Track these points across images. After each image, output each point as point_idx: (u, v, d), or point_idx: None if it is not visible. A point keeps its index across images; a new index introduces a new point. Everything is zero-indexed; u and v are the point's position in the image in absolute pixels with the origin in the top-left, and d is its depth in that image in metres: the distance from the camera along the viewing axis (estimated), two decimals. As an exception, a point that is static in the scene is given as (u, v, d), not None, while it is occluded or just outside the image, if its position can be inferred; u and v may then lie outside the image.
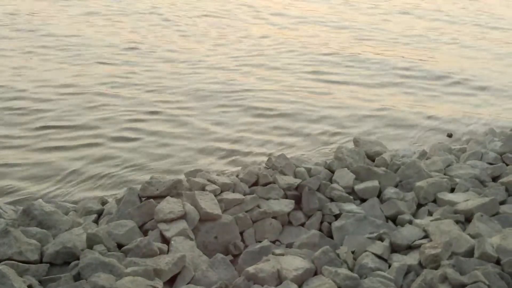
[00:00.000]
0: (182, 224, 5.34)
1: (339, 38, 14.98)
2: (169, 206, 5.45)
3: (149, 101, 9.98)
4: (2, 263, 4.40)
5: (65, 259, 4.72)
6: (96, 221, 5.94)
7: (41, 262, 4.70)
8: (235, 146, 8.57)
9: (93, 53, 12.43)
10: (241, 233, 5.75)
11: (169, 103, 10.00)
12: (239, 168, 7.41)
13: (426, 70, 12.62)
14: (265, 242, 5.39)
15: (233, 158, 8.18)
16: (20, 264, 4.50)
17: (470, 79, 12.21)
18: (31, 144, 8.16)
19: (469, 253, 4.99)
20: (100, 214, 6.12)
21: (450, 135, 9.37)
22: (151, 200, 5.59)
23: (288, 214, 6.07)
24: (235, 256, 5.44)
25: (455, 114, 10.24)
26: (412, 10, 19.07)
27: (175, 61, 12.25)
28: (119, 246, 5.04)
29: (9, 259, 4.52)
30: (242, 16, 16.78)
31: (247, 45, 13.91)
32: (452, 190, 6.59)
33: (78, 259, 4.63)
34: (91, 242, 4.88)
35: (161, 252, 4.95)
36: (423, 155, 7.97)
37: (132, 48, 12.94)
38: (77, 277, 4.40)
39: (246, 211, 5.89)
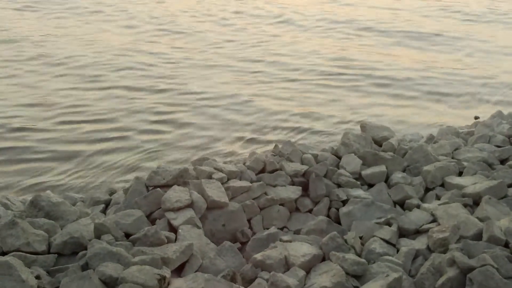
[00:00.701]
0: (189, 213, 5.34)
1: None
2: (176, 194, 5.45)
3: (172, 93, 10.22)
4: (9, 254, 4.42)
5: (73, 249, 4.73)
6: (103, 211, 5.96)
7: (49, 252, 4.72)
8: (256, 135, 8.77)
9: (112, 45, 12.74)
10: (249, 221, 5.75)
11: (194, 94, 10.25)
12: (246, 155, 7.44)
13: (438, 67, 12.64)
14: (273, 229, 5.38)
15: (253, 147, 8.32)
16: (28, 255, 4.51)
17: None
18: (57, 136, 8.38)
19: (477, 237, 4.96)
20: (107, 204, 6.14)
21: (477, 118, 9.45)
22: (158, 189, 5.59)
23: (296, 200, 6.06)
24: (243, 244, 5.44)
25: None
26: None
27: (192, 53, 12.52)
28: (127, 235, 5.04)
29: (17, 250, 4.54)
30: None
31: (266, 40, 14.06)
32: (460, 174, 6.56)
33: (85, 249, 4.64)
34: (99, 232, 4.89)
35: (169, 240, 4.95)
36: (430, 139, 7.94)
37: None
38: (85, 267, 4.41)
39: (254, 199, 5.89)
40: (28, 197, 6.11)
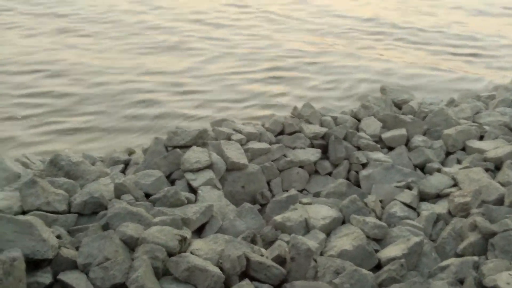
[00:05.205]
0: (209, 174, 5.31)
1: None
2: (195, 155, 5.43)
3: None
4: (30, 213, 4.41)
5: (93, 209, 4.72)
6: (123, 171, 5.95)
7: (69, 212, 4.71)
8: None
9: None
10: (268, 183, 5.74)
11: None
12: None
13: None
14: (292, 191, 5.36)
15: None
16: (49, 214, 4.50)
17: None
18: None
19: (499, 201, 4.92)
20: (127, 164, 6.13)
21: None
22: (177, 149, 5.56)
23: (315, 163, 6.03)
24: (263, 206, 5.44)
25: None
26: None
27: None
28: (147, 195, 5.03)
29: (38, 209, 4.52)
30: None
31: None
32: (481, 138, 6.49)
33: (106, 209, 4.63)
34: (119, 192, 4.88)
35: (189, 201, 4.94)
36: (451, 102, 7.86)
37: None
38: (106, 227, 4.40)
39: (273, 161, 5.87)
40: (47, 156, 6.09)
